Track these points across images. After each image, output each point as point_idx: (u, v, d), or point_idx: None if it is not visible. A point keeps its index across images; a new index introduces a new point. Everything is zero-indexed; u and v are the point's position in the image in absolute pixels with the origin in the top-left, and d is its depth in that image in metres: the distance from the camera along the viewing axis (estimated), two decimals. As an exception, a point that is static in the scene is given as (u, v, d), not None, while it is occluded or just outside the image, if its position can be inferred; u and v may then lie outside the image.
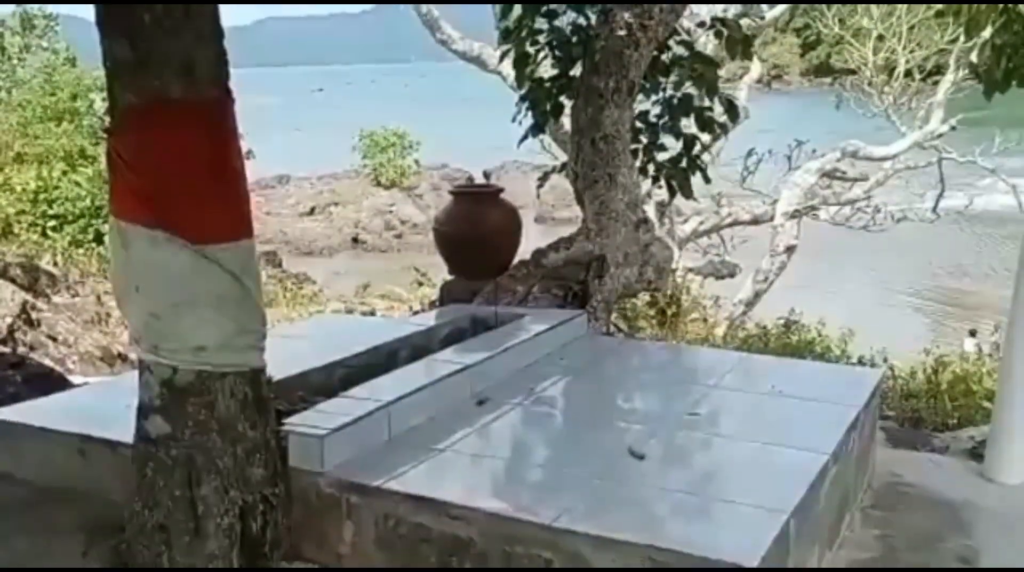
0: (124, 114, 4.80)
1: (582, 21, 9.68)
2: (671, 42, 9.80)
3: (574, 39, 9.70)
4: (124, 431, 5.18)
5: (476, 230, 9.36)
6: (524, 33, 9.84)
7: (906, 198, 28.97)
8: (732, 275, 23.86)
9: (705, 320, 18.97)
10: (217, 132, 4.92)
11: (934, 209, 27.75)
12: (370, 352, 7.15)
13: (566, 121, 10.57)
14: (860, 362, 14.60)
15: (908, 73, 28.56)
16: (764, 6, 23.63)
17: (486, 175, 49.86)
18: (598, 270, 9.07)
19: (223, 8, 4.92)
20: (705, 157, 10.21)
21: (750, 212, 25.50)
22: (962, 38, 23.01)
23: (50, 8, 30.27)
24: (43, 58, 29.05)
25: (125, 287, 5.03)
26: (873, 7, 28.59)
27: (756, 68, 26.00)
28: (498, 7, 11.01)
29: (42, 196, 23.33)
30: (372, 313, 20.27)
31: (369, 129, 52.56)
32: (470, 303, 8.81)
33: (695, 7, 15.25)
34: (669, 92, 9.91)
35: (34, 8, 29.90)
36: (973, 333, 23.90)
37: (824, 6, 31.29)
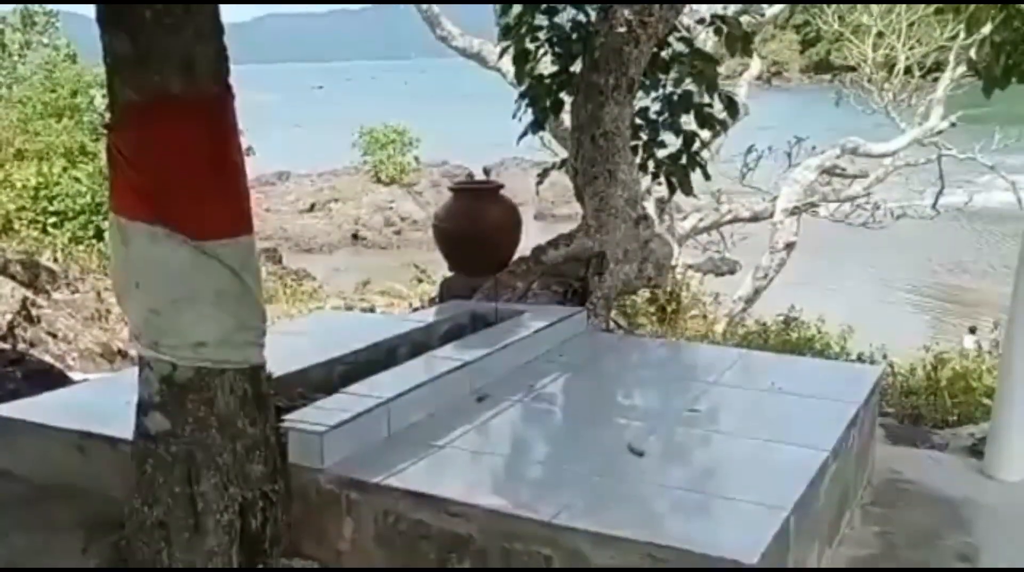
0: (124, 110, 4.80)
1: (582, 18, 9.68)
2: (671, 39, 9.80)
3: (574, 36, 9.70)
4: (124, 427, 5.18)
5: (476, 226, 9.34)
6: (524, 30, 9.84)
7: (906, 195, 28.97)
8: (732, 272, 23.85)
9: (705, 317, 18.97)
10: (217, 128, 4.92)
11: (934, 206, 27.74)
12: (370, 349, 7.16)
13: (566, 118, 10.59)
14: (860, 359, 14.62)
15: (908, 70, 28.55)
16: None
17: (486, 172, 49.69)
18: (598, 267, 9.07)
19: (223, 5, 4.93)
20: (705, 154, 10.21)
21: (750, 209, 25.51)
22: (962, 35, 23.02)
23: (51, 5, 30.32)
24: (44, 54, 29.05)
25: (125, 283, 5.02)
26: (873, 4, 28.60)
27: (756, 65, 25.98)
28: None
29: (43, 192, 23.33)
30: (372, 310, 20.30)
31: (369, 126, 52.55)
32: (470, 300, 8.81)
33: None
34: (669, 89, 9.90)
35: (35, 5, 29.93)
36: (973, 330, 23.87)
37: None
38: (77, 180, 23.58)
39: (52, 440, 6.01)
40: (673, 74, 9.84)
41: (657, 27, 9.06)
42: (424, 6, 23.42)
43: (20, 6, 29.56)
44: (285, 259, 35.79)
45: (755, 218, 25.42)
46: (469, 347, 7.12)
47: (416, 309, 14.04)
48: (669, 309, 17.23)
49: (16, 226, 22.22)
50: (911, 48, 28.35)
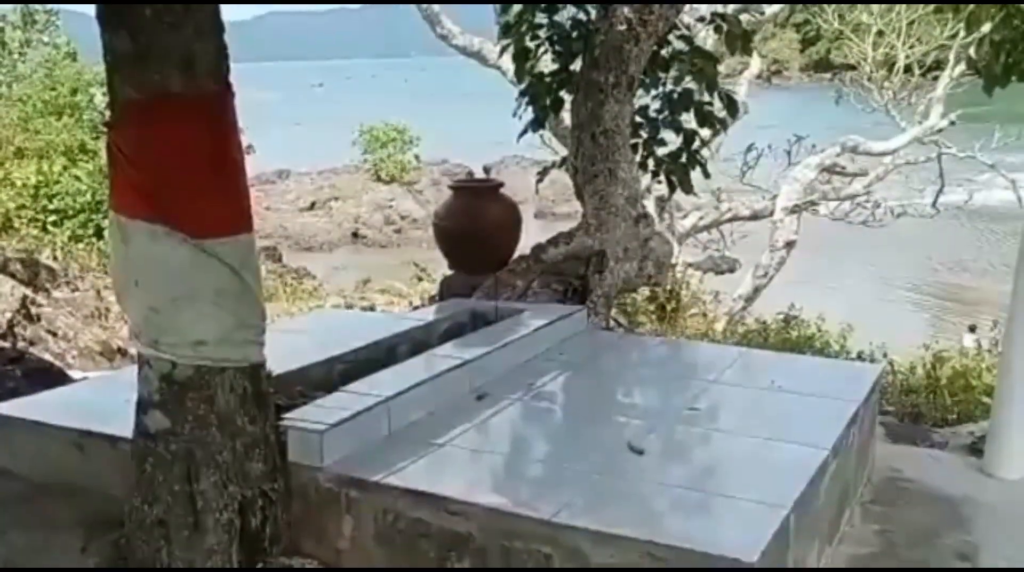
0: (124, 108, 4.81)
1: (582, 16, 9.67)
2: (671, 37, 9.79)
3: (574, 34, 9.70)
4: (123, 426, 5.19)
5: (476, 225, 9.34)
6: (524, 28, 9.84)
7: (906, 193, 28.95)
8: (732, 270, 23.83)
9: (705, 315, 18.96)
10: (217, 126, 4.93)
11: (933, 204, 27.72)
12: (370, 347, 7.15)
13: (566, 116, 10.58)
14: (859, 357, 14.61)
15: (908, 68, 28.54)
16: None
17: (486, 170, 49.83)
18: (598, 265, 9.07)
19: (223, 4, 4.93)
20: (705, 152, 10.20)
21: (750, 207, 25.49)
22: (961, 33, 23.02)
23: (52, 5, 30.29)
24: (44, 53, 29.03)
25: (125, 282, 5.04)
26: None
27: (756, 63, 25.96)
28: (498, 1, 11.01)
29: (42, 191, 23.32)
30: (372, 308, 20.29)
31: (369, 124, 52.54)
32: (470, 298, 8.80)
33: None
34: (669, 87, 9.90)
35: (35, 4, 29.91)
36: (972, 329, 23.85)
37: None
38: (77, 178, 23.57)
39: (52, 438, 6.01)
40: (673, 72, 9.84)
41: (657, 25, 9.06)
42: (424, 4, 23.42)
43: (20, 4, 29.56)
44: (285, 257, 35.81)
45: (755, 216, 25.41)
46: (469, 345, 7.12)
47: (416, 307, 14.06)
48: (669, 307, 17.22)
49: (16, 224, 22.20)
50: (911, 47, 28.35)
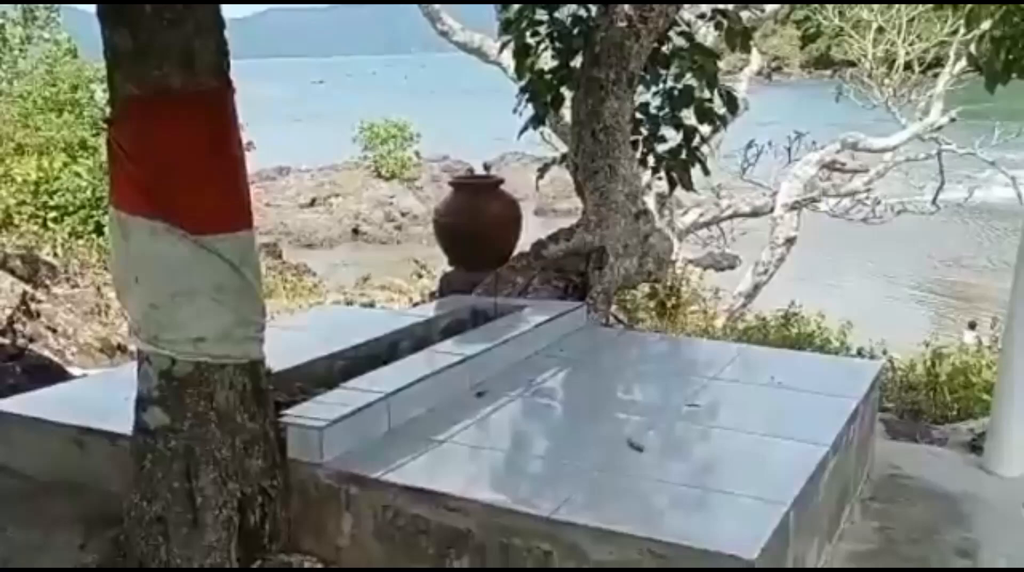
0: (125, 104, 4.81)
1: (582, 12, 9.67)
2: (671, 33, 9.79)
3: (575, 30, 9.69)
4: (123, 423, 5.19)
5: (476, 221, 9.36)
6: (524, 24, 9.84)
7: (906, 190, 28.92)
8: (732, 267, 23.88)
9: (705, 312, 18.97)
10: (217, 123, 4.94)
11: (934, 201, 27.71)
12: (370, 343, 7.15)
13: (566, 112, 10.58)
14: (859, 354, 14.61)
15: (908, 65, 28.49)
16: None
17: (486, 167, 49.87)
18: (598, 261, 9.06)
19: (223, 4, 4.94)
20: (705, 149, 10.18)
21: (750, 204, 25.48)
22: (962, 30, 23.02)
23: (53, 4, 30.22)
24: (44, 49, 28.97)
25: (125, 278, 5.04)
26: None
27: (756, 60, 25.92)
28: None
29: (43, 187, 23.27)
30: (372, 304, 20.30)
31: (369, 121, 52.51)
32: (470, 294, 8.80)
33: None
34: (669, 84, 9.89)
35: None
36: (972, 325, 23.85)
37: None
38: (77, 175, 23.52)
39: (51, 435, 6.00)
40: (674, 69, 9.83)
41: (658, 22, 9.06)
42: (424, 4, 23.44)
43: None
44: (285, 254, 35.77)
45: (755, 213, 25.39)
46: (469, 342, 7.13)
47: (416, 304, 14.06)
48: (669, 304, 17.23)
49: (16, 221, 22.17)
50: (911, 44, 28.31)
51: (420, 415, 6.00)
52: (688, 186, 10.07)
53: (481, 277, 8.98)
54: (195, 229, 4.83)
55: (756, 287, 23.44)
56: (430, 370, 6.39)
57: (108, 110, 5.08)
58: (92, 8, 4.80)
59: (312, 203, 51.28)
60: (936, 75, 27.92)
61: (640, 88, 9.64)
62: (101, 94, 24.91)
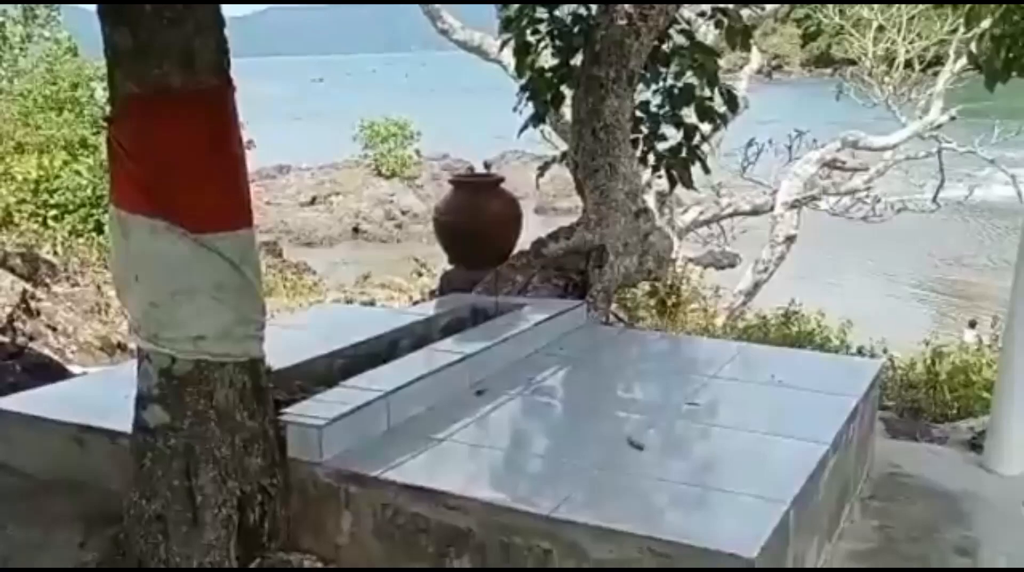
0: (125, 103, 4.81)
1: (583, 10, 9.67)
2: (672, 31, 9.79)
3: (575, 28, 9.69)
4: (123, 421, 5.19)
5: (476, 220, 9.36)
6: (525, 23, 9.84)
7: (906, 188, 28.93)
8: (732, 265, 23.87)
9: (705, 310, 18.97)
10: (217, 121, 4.94)
11: (934, 199, 27.72)
12: (370, 342, 7.15)
13: (567, 111, 10.58)
14: (859, 352, 14.61)
15: (908, 63, 28.50)
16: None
17: (486, 165, 49.87)
18: (598, 260, 9.06)
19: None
20: (705, 147, 10.18)
21: (750, 202, 25.49)
22: (962, 29, 23.02)
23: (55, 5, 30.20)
24: (45, 48, 28.97)
25: (125, 276, 5.04)
26: (874, -3, 28.57)
27: (756, 58, 25.92)
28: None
29: (43, 185, 23.27)
30: (372, 303, 20.30)
31: (370, 119, 52.51)
32: (470, 293, 8.80)
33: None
34: (670, 82, 9.89)
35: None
36: (973, 324, 23.86)
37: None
38: (78, 173, 23.53)
39: (51, 433, 6.00)
40: (674, 67, 9.83)
41: (658, 20, 9.06)
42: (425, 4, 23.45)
43: (21, -2, 29.52)
44: (285, 252, 35.74)
45: (755, 211, 25.41)
46: (469, 340, 7.12)
47: (416, 302, 14.06)
48: (669, 302, 17.24)
49: (16, 219, 22.18)
50: (911, 42, 28.32)
51: (420, 413, 5.99)
52: (688, 184, 10.07)
53: (481, 275, 8.98)
54: (195, 227, 4.82)
55: (756, 285, 23.45)
56: (430, 368, 6.39)
57: (108, 108, 5.08)
58: (92, 6, 4.80)
59: (312, 201, 51.30)
60: (936, 73, 27.94)
61: (640, 86, 9.64)
62: (101, 92, 24.90)
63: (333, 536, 5.25)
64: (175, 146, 4.80)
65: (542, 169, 10.96)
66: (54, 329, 13.69)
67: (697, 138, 9.85)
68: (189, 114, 4.82)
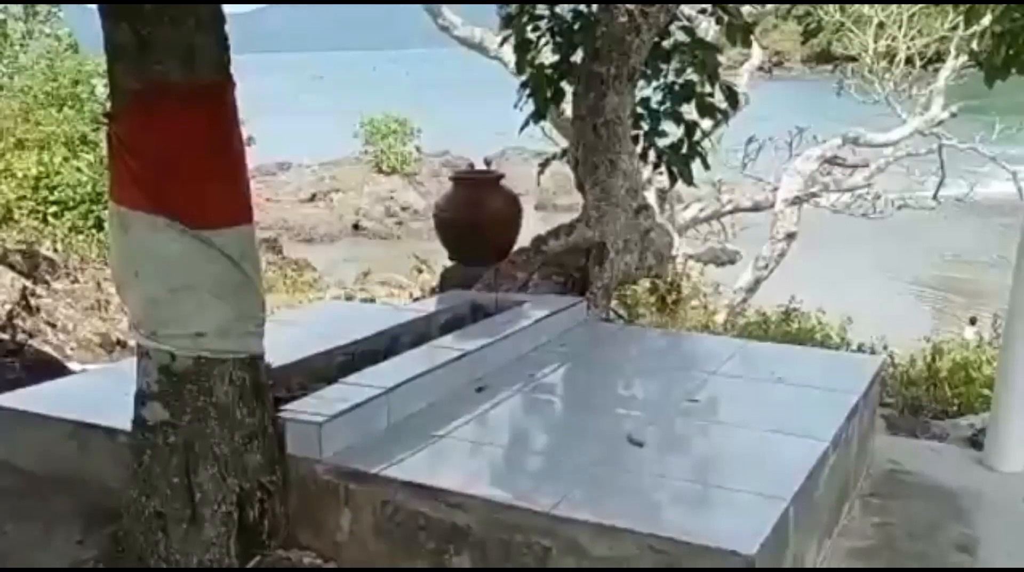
0: (125, 99, 4.82)
1: (583, 7, 9.66)
2: (672, 28, 9.78)
3: (575, 25, 9.69)
4: (122, 418, 5.19)
5: (476, 216, 9.35)
6: (525, 19, 9.83)
7: (907, 185, 28.93)
8: (732, 262, 23.84)
9: (705, 307, 18.98)
10: (218, 117, 4.94)
11: (934, 196, 27.73)
12: (370, 339, 7.14)
13: (567, 107, 10.56)
14: (860, 349, 14.60)
15: (909, 60, 28.49)
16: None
17: (487, 162, 49.74)
18: (598, 257, 9.06)
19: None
20: (706, 144, 10.17)
21: (751, 199, 25.51)
22: (962, 26, 23.01)
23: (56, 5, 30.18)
24: (45, 44, 28.95)
25: (124, 272, 5.03)
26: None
27: (757, 55, 25.90)
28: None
29: (43, 182, 23.28)
30: (372, 300, 20.27)
31: (370, 115, 52.49)
32: (470, 290, 8.79)
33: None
34: (670, 78, 9.88)
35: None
36: (973, 321, 23.88)
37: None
38: (78, 170, 23.53)
39: (50, 430, 5.99)
40: (674, 63, 9.82)
41: (658, 16, 9.05)
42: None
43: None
44: (285, 249, 35.68)
45: (756, 208, 25.42)
46: (469, 337, 7.12)
47: (416, 299, 14.04)
48: (669, 299, 17.24)
49: (16, 216, 22.19)
50: (912, 38, 28.31)
51: (420, 410, 5.99)
52: (688, 181, 10.06)
53: (481, 272, 8.97)
54: (195, 224, 4.83)
55: (756, 282, 23.45)
56: (430, 365, 6.38)
57: (109, 105, 5.08)
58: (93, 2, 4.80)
59: (312, 198, 51.31)
60: (937, 70, 27.94)
61: (641, 83, 9.63)
62: (102, 89, 24.88)
63: (333, 533, 5.24)
64: (175, 142, 4.80)
65: (542, 166, 10.96)
66: (54, 326, 13.70)
67: (698, 134, 9.84)
68: (190, 110, 4.82)
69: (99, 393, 6.41)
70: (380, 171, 52.00)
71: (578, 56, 9.52)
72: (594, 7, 9.41)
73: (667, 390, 6.74)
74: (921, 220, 30.42)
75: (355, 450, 5.36)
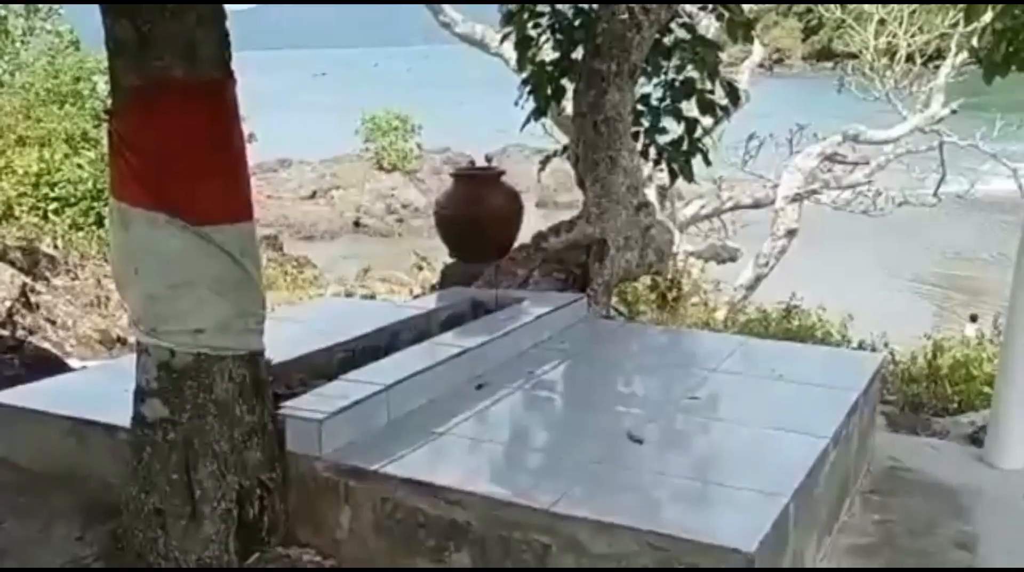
0: (126, 95, 4.82)
1: (584, 4, 9.66)
2: (673, 25, 9.78)
3: (576, 22, 9.68)
4: (122, 415, 5.19)
5: (477, 213, 9.32)
6: (526, 16, 9.83)
7: (907, 182, 28.91)
8: (733, 259, 23.83)
9: (706, 304, 18.95)
10: (218, 114, 4.94)
11: (935, 193, 27.71)
12: (370, 335, 7.15)
13: (568, 104, 10.56)
14: (860, 347, 14.60)
15: (909, 57, 28.48)
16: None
17: (488, 159, 49.69)
18: (599, 253, 9.06)
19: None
20: (706, 140, 10.17)
21: (751, 196, 25.50)
22: (962, 23, 23.00)
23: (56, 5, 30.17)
24: (46, 41, 28.96)
25: (124, 269, 5.03)
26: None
27: (758, 52, 25.88)
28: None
29: (44, 179, 23.29)
30: (372, 297, 20.28)
31: (371, 112, 52.46)
32: (470, 286, 8.79)
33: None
34: (671, 75, 9.88)
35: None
36: (974, 318, 23.86)
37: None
38: (79, 166, 23.54)
39: (50, 427, 6.00)
40: (675, 60, 9.82)
41: (659, 13, 9.05)
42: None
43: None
44: (286, 246, 35.68)
45: (756, 205, 25.41)
46: (469, 334, 7.11)
47: (417, 296, 14.03)
48: (670, 296, 17.21)
49: (17, 213, 22.19)
50: (912, 36, 28.30)
51: (420, 407, 5.99)
52: (689, 178, 10.06)
53: (482, 269, 8.97)
54: (196, 220, 4.83)
55: (757, 279, 23.45)
56: (430, 362, 6.38)
57: (109, 101, 5.08)
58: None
59: (313, 195, 51.29)
60: (937, 67, 27.94)
61: (641, 80, 9.63)
62: (103, 85, 24.89)
63: (332, 530, 5.24)
64: (176, 139, 4.80)
65: (543, 163, 10.97)
66: (53, 323, 13.71)
67: (698, 131, 9.84)
68: (190, 107, 4.82)
69: (99, 390, 6.41)
70: (381, 168, 51.97)
71: (579, 53, 9.52)
72: (595, 4, 9.41)
73: (667, 387, 6.73)
74: (922, 217, 30.46)
75: (355, 447, 5.36)
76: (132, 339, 6.47)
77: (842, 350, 12.23)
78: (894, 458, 7.30)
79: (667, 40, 9.73)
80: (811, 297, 18.47)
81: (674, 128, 9.92)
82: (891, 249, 36.50)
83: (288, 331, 6.94)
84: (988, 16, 8.76)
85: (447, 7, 23.43)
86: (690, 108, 9.93)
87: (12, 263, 14.94)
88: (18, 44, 29.07)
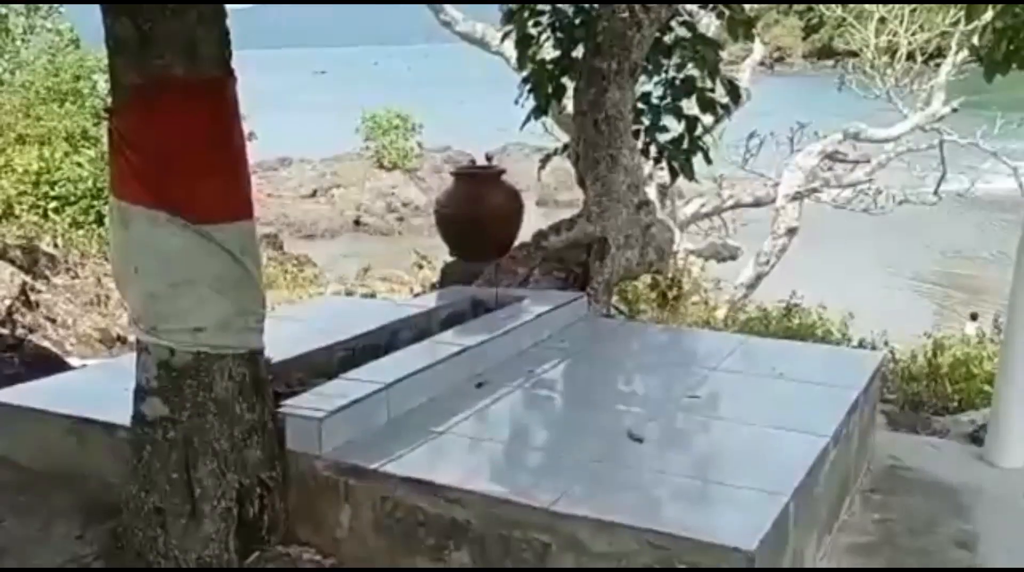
0: (126, 93, 4.82)
1: (584, 2, 9.65)
2: (673, 23, 9.77)
3: (576, 20, 9.68)
4: (122, 413, 5.19)
5: (477, 211, 9.32)
6: (527, 15, 9.83)
7: (908, 181, 28.91)
8: (733, 258, 23.83)
9: (706, 303, 18.95)
10: (219, 112, 4.94)
11: (935, 192, 27.70)
12: (370, 334, 7.14)
13: (568, 103, 10.56)
14: (861, 345, 14.59)
15: (910, 55, 28.49)
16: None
17: (488, 157, 49.66)
18: (599, 252, 9.05)
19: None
20: (707, 139, 10.16)
21: (752, 194, 25.50)
22: (963, 21, 23.01)
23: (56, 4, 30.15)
24: (47, 39, 28.94)
25: (124, 267, 5.03)
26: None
27: (758, 50, 25.88)
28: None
29: (44, 177, 23.27)
30: (372, 295, 20.27)
31: (372, 111, 52.44)
32: (471, 285, 8.79)
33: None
34: (671, 74, 9.88)
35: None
36: (974, 317, 23.85)
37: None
38: (79, 165, 23.52)
39: (50, 426, 5.99)
40: (675, 59, 9.81)
41: (660, 11, 9.05)
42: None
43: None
44: (286, 245, 35.68)
45: (757, 203, 25.42)
46: (469, 333, 7.11)
47: (417, 295, 14.03)
48: (670, 295, 17.20)
49: (17, 211, 22.18)
50: (913, 34, 28.32)
51: (420, 406, 5.98)
52: (689, 176, 10.06)
53: (482, 268, 8.96)
54: (196, 219, 4.82)
55: (758, 278, 23.46)
56: (430, 361, 6.38)
57: (110, 99, 5.08)
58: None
59: (313, 194, 51.28)
60: (938, 65, 27.95)
61: (642, 78, 9.63)
62: (103, 84, 24.88)
63: (332, 529, 5.24)
64: (176, 137, 4.80)
65: (544, 161, 10.96)
66: (53, 321, 13.71)
67: (699, 130, 9.84)
68: (191, 105, 4.82)
69: (98, 388, 6.41)
70: (381, 167, 51.96)
71: (579, 52, 9.51)
72: (595, 2, 9.40)
73: (667, 386, 6.73)
74: (922, 216, 30.46)
75: (355, 446, 5.36)
76: (132, 337, 6.47)
77: (842, 349, 12.22)
78: (894, 457, 7.30)
79: (668, 38, 9.74)
80: (811, 295, 18.47)
81: (675, 126, 9.91)
82: (891, 247, 36.49)
83: (288, 330, 6.94)
84: (989, 14, 8.75)
85: (448, 6, 23.42)
86: (691, 106, 9.93)
87: (12, 261, 14.94)
88: (18, 42, 29.04)
